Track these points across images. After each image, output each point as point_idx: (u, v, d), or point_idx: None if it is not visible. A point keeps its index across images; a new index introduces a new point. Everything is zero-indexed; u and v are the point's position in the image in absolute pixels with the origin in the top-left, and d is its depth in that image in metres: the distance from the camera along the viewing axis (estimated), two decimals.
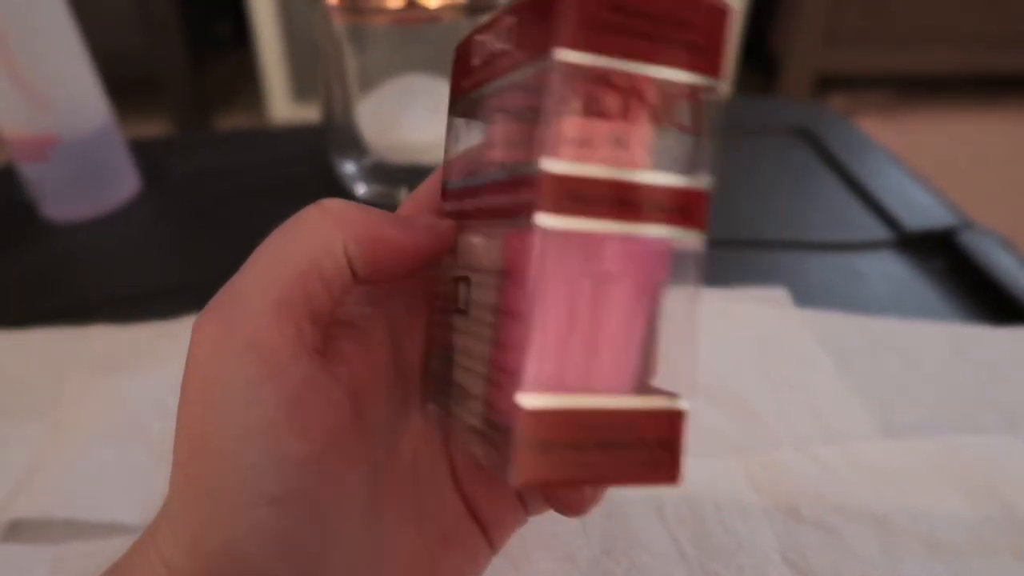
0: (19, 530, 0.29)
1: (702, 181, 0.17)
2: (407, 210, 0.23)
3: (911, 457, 0.32)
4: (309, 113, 1.71)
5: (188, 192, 0.55)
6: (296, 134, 0.65)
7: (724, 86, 0.17)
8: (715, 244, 0.50)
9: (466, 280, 0.19)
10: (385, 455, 0.20)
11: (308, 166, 0.57)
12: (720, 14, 0.16)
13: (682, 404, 0.17)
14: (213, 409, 0.16)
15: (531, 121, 0.16)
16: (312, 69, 1.68)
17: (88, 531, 0.29)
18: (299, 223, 0.18)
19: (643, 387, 0.18)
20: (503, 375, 0.16)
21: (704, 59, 0.16)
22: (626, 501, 0.29)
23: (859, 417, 0.34)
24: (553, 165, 0.15)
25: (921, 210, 0.50)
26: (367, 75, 0.49)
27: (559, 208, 0.15)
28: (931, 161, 0.87)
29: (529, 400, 0.15)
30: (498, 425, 0.16)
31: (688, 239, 0.17)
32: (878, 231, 0.49)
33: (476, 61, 0.19)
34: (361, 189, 0.52)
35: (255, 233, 0.56)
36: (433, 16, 0.45)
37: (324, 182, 0.54)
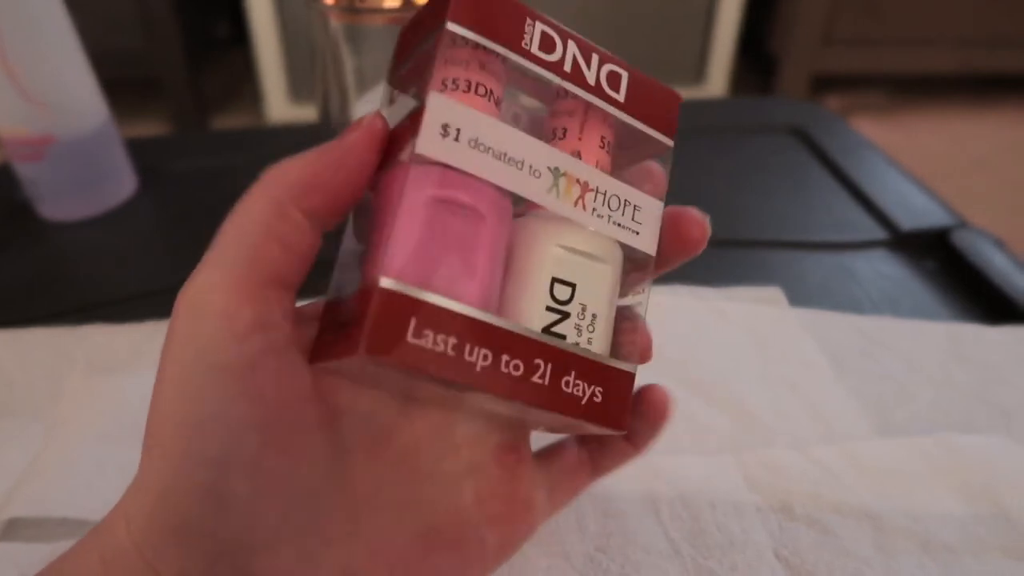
0: (16, 528, 0.29)
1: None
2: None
3: (906, 456, 0.32)
4: (306, 113, 1.71)
5: (186, 192, 0.56)
6: (293, 134, 0.65)
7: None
8: (711, 243, 0.50)
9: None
10: (369, 440, 0.21)
11: None
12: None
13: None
14: (169, 372, 0.18)
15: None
16: (309, 70, 1.68)
17: (84, 529, 0.29)
18: (245, 201, 0.19)
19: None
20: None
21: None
22: (622, 499, 0.30)
23: (854, 416, 0.35)
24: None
25: (916, 210, 0.50)
26: (363, 75, 0.49)
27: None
28: (926, 161, 0.87)
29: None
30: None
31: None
32: (873, 231, 0.49)
33: (408, 35, 0.23)
34: None
35: None
36: None
37: None
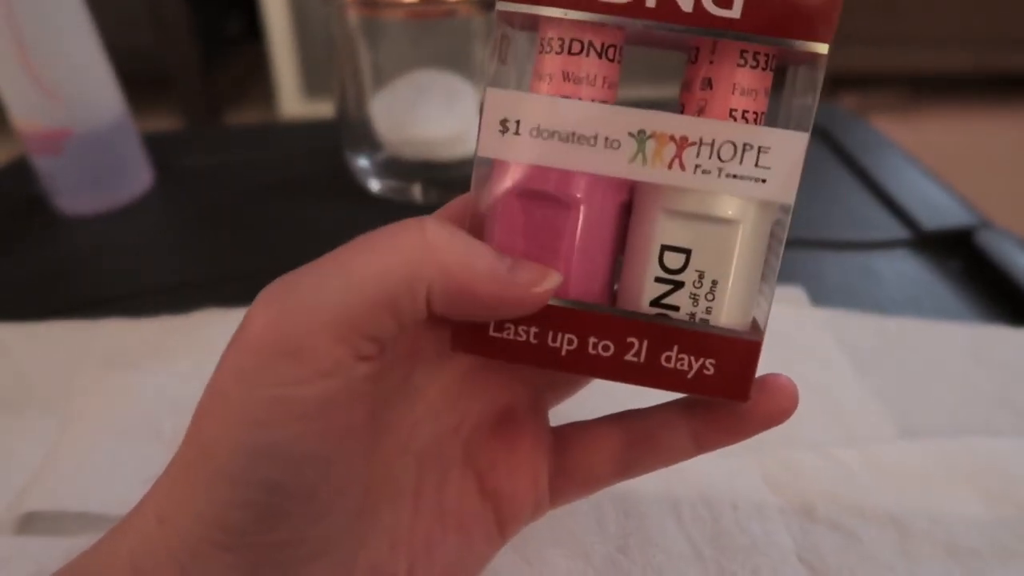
0: (33, 522, 0.29)
1: None
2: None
3: (928, 458, 0.32)
4: (319, 110, 1.72)
5: (201, 187, 0.56)
6: (309, 129, 0.65)
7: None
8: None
9: None
10: (383, 433, 0.20)
11: (321, 161, 0.57)
12: None
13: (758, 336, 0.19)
14: (237, 386, 0.17)
15: None
16: (322, 66, 1.68)
17: (101, 524, 0.29)
18: (393, 244, 0.17)
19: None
20: None
21: None
22: (642, 500, 0.29)
23: (876, 417, 0.34)
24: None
25: (938, 210, 0.49)
26: (381, 70, 0.49)
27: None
28: (943, 161, 0.86)
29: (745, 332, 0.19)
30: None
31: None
32: (895, 230, 0.48)
33: None
34: (375, 184, 0.52)
35: (268, 227, 0.56)
36: (448, 11, 0.45)
37: (337, 177, 0.54)
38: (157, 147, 0.58)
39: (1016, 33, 1.72)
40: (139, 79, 0.85)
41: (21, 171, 0.55)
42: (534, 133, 0.18)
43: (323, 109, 1.70)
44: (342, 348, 0.16)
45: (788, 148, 0.18)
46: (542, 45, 0.19)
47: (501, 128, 0.18)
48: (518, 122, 0.18)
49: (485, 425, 0.22)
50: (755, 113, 0.19)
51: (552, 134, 0.18)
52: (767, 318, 0.20)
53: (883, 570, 0.27)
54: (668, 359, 0.19)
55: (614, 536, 0.28)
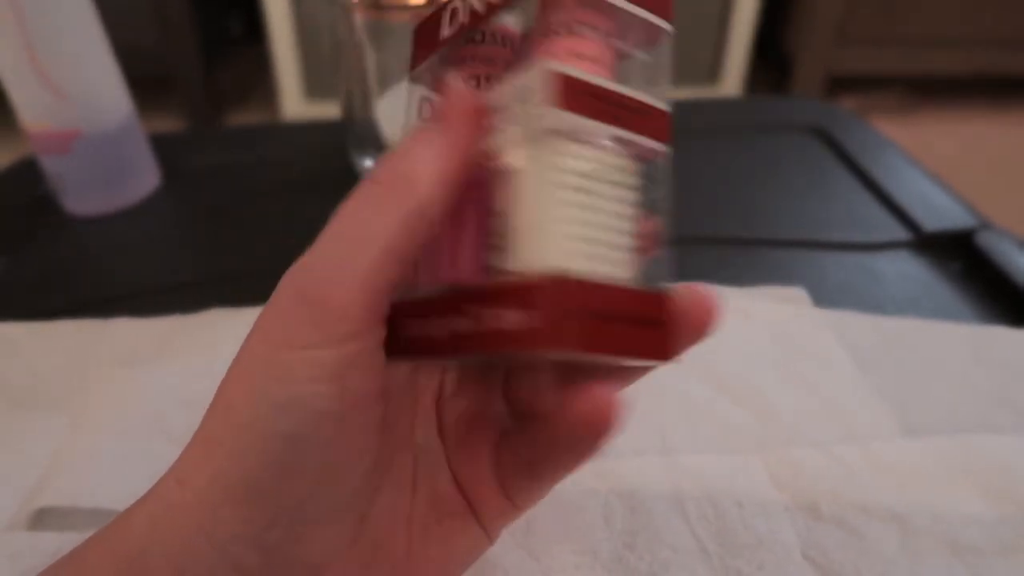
0: (45, 518, 0.30)
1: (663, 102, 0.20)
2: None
3: (929, 457, 0.32)
4: (322, 111, 1.72)
5: (208, 187, 0.56)
6: (314, 130, 0.65)
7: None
8: (732, 243, 0.51)
9: None
10: (387, 427, 0.22)
11: (326, 162, 0.57)
12: None
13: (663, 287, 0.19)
14: (264, 347, 0.18)
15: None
16: (325, 67, 1.68)
17: (111, 519, 0.29)
18: (381, 201, 0.19)
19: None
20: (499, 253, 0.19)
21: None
22: (649, 498, 0.30)
23: (877, 416, 0.34)
24: (560, 67, 0.18)
25: (939, 211, 0.49)
26: (386, 72, 0.49)
27: (574, 107, 0.18)
28: (943, 162, 0.86)
29: (545, 266, 0.17)
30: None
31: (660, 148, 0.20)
32: (896, 231, 0.49)
33: (446, 29, 0.22)
34: None
35: (275, 227, 0.56)
36: None
37: (342, 178, 0.55)
38: (164, 148, 0.58)
39: (1016, 35, 1.72)
40: (142, 79, 0.85)
41: (29, 171, 0.55)
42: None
43: (324, 111, 1.70)
44: (362, 308, 0.18)
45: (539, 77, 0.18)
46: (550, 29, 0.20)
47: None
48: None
49: (458, 434, 0.24)
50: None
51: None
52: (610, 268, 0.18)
53: (886, 566, 0.27)
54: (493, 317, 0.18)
55: (621, 533, 0.28)
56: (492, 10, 0.21)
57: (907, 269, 0.45)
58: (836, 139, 0.60)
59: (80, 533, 0.28)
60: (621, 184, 0.19)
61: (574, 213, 0.18)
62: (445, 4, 0.22)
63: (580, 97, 0.18)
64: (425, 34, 0.23)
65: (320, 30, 1.63)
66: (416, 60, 0.23)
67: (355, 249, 0.18)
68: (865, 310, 0.41)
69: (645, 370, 0.21)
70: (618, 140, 0.19)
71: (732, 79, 1.78)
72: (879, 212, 0.51)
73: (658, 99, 0.20)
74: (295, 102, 1.73)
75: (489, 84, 0.21)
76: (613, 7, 0.19)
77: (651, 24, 0.20)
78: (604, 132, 0.19)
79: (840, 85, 1.84)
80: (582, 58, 0.19)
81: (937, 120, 1.83)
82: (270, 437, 0.18)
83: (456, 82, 0.20)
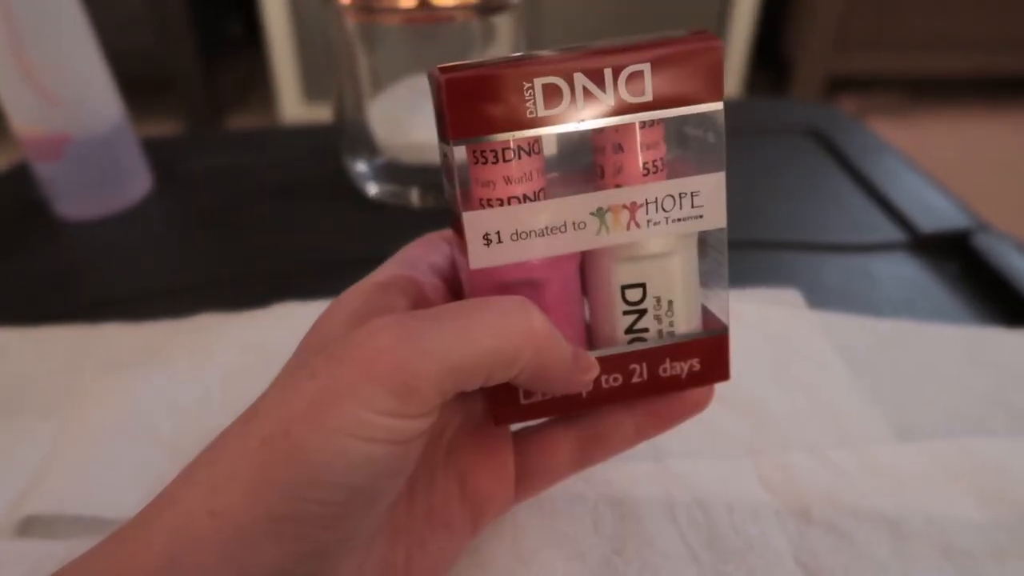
0: (32, 526, 0.29)
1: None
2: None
3: (924, 460, 0.32)
4: (319, 113, 1.72)
5: (201, 191, 0.56)
6: (307, 134, 0.65)
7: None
8: (728, 244, 0.50)
9: None
10: None
11: (319, 166, 0.57)
12: None
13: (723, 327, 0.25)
14: (350, 408, 0.18)
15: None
16: (322, 70, 1.68)
17: (100, 527, 0.29)
18: (505, 320, 0.20)
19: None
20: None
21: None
22: (639, 502, 0.29)
23: (872, 419, 0.34)
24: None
25: (935, 212, 0.49)
26: (379, 75, 0.49)
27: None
28: (941, 164, 0.86)
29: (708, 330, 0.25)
30: None
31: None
32: (892, 233, 0.48)
33: (539, 108, 0.21)
34: (373, 189, 0.52)
35: (267, 231, 0.56)
36: (446, 16, 0.45)
37: (335, 182, 0.55)
38: (156, 151, 0.58)
39: (1014, 36, 1.72)
40: (140, 82, 0.85)
41: (21, 176, 0.55)
42: (514, 237, 0.21)
43: (323, 113, 1.70)
44: (440, 396, 0.19)
45: (712, 185, 0.22)
46: (475, 157, 0.21)
47: (485, 242, 0.21)
48: (498, 232, 0.21)
49: (464, 433, 0.25)
50: (661, 159, 0.22)
51: (529, 233, 0.21)
52: (727, 308, 0.24)
53: (878, 571, 0.27)
54: (664, 370, 0.24)
55: (610, 538, 0.28)
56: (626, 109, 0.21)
57: (903, 270, 0.45)
58: (832, 140, 0.60)
59: (66, 542, 0.28)
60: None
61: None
62: (528, 74, 0.20)
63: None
64: (486, 98, 0.20)
65: (318, 33, 1.63)
66: (468, 126, 0.20)
67: (468, 344, 0.19)
68: (861, 311, 0.41)
69: None
70: None
71: (731, 80, 1.78)
72: (875, 213, 0.51)
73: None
74: (293, 104, 1.73)
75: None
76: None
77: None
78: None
79: (839, 86, 1.84)
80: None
81: (935, 121, 1.83)
82: (339, 488, 0.18)
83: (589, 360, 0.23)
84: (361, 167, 0.53)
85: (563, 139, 0.22)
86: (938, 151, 1.61)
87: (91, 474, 0.31)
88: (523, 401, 0.23)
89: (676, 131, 0.23)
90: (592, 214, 0.22)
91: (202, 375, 0.36)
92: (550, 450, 0.26)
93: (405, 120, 0.50)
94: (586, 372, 0.22)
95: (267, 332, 0.39)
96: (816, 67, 1.77)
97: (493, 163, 0.21)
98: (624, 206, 0.22)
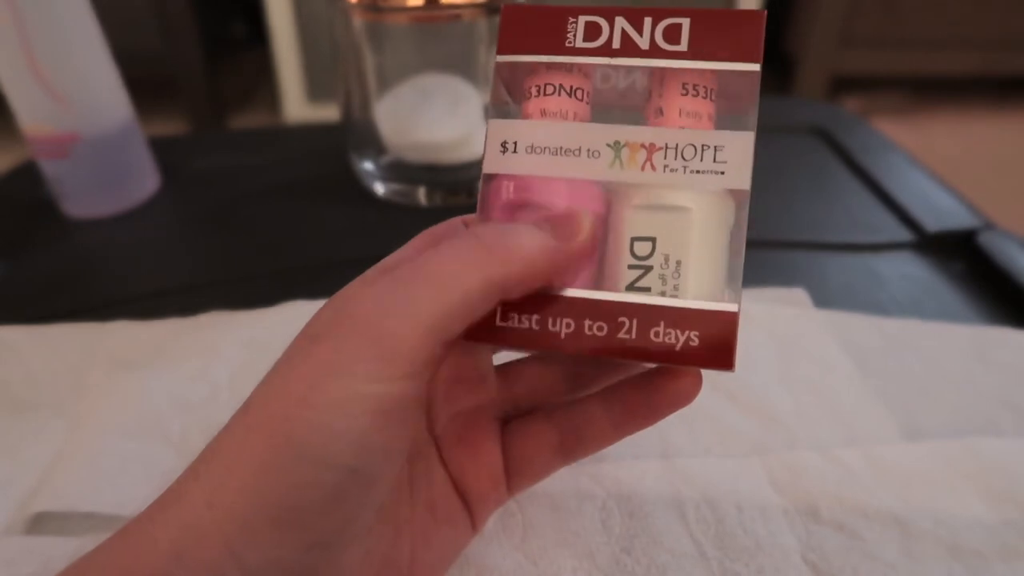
0: (42, 523, 0.30)
1: None
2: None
3: (931, 460, 0.32)
4: (324, 113, 1.72)
5: (208, 190, 0.56)
6: (314, 133, 0.65)
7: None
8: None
9: None
10: None
11: (326, 165, 0.57)
12: None
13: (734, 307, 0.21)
14: (325, 376, 0.18)
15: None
16: (327, 70, 1.68)
17: (110, 524, 0.29)
18: (457, 254, 0.20)
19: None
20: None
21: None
22: (647, 501, 0.29)
23: (878, 419, 0.34)
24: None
25: (941, 211, 0.49)
26: (385, 74, 0.49)
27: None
28: (945, 163, 0.86)
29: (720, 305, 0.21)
30: None
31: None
32: (898, 232, 0.48)
33: (578, 40, 0.23)
34: (380, 188, 0.53)
35: (274, 230, 0.56)
36: (453, 15, 0.45)
37: (342, 181, 0.55)
38: (164, 151, 0.58)
39: (1019, 35, 1.72)
40: (144, 82, 0.85)
41: (29, 175, 0.56)
42: (528, 150, 0.22)
43: (327, 113, 1.70)
44: (427, 352, 0.18)
45: (739, 145, 0.22)
46: (527, 93, 0.23)
47: (501, 148, 0.22)
48: (515, 142, 0.22)
49: (452, 430, 0.25)
50: (705, 113, 0.22)
51: (543, 149, 0.22)
52: (739, 289, 0.22)
53: (886, 570, 0.27)
54: (656, 334, 0.21)
55: (619, 536, 0.28)
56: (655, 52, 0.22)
57: (909, 270, 0.45)
58: (838, 140, 0.60)
59: (77, 539, 0.28)
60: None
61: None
62: (576, 12, 0.23)
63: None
64: (534, 26, 0.23)
65: (323, 33, 1.63)
66: (513, 46, 0.23)
67: (436, 293, 0.19)
68: (867, 311, 0.41)
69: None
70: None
71: None
72: (881, 213, 0.51)
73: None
74: (298, 104, 1.73)
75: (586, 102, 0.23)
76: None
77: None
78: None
79: (843, 86, 1.84)
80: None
81: (940, 120, 1.82)
82: (329, 468, 0.18)
83: (582, 218, 0.22)
84: (368, 166, 0.53)
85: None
86: (943, 150, 1.61)
87: (100, 472, 0.31)
88: (498, 323, 0.22)
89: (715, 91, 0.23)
90: (608, 145, 0.22)
91: (210, 373, 0.37)
92: (534, 444, 0.25)
93: (412, 119, 0.50)
94: (571, 237, 0.21)
95: (274, 330, 0.39)
96: (820, 66, 1.77)
97: (536, 96, 0.23)
98: (642, 145, 0.22)
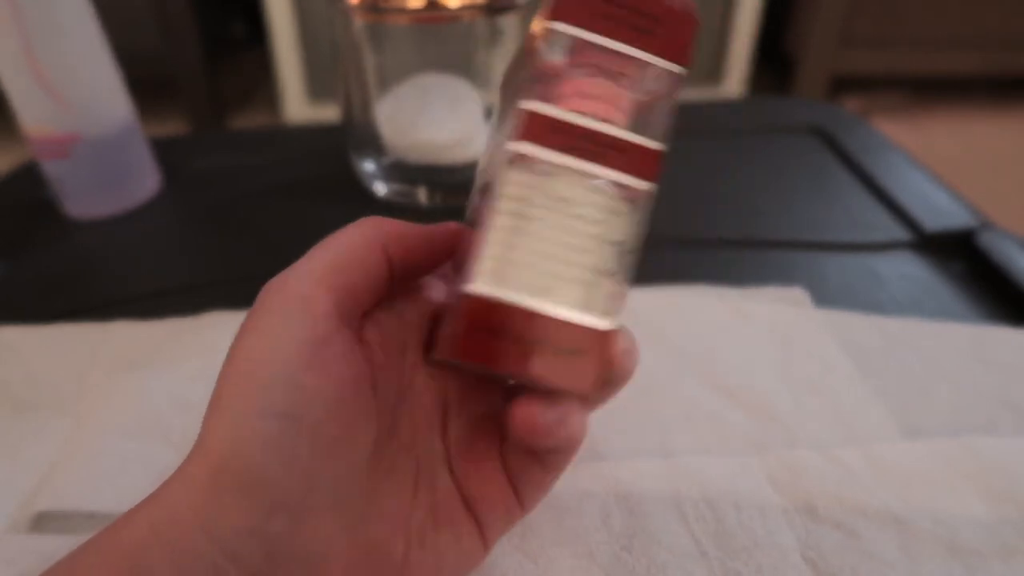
0: (45, 522, 0.30)
1: (658, 143, 0.21)
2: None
3: (930, 458, 0.32)
4: (324, 113, 1.72)
5: (209, 190, 0.56)
6: (314, 133, 0.65)
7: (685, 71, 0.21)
8: (734, 244, 0.51)
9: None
10: (388, 431, 0.23)
11: (327, 165, 0.57)
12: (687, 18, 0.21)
13: (606, 324, 0.19)
14: (249, 339, 0.20)
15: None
16: (327, 70, 1.68)
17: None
18: (347, 228, 0.23)
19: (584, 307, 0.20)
20: (461, 275, 0.20)
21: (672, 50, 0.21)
22: (647, 499, 0.30)
23: (878, 418, 0.34)
24: (531, 104, 0.20)
25: (940, 211, 0.49)
26: (386, 74, 0.49)
27: (532, 138, 0.20)
28: (945, 163, 0.86)
29: (472, 287, 0.19)
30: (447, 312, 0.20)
31: (640, 186, 0.20)
32: (897, 232, 0.48)
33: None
34: (380, 188, 0.53)
35: (275, 230, 0.56)
36: (453, 16, 0.45)
37: (343, 181, 0.55)
38: (165, 151, 0.58)
39: (1018, 35, 1.72)
40: (144, 82, 0.85)
41: (30, 175, 0.56)
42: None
43: (327, 113, 1.71)
44: (329, 296, 0.21)
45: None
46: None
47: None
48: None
49: (462, 437, 0.25)
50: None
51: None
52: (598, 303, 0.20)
53: (885, 569, 0.27)
54: (442, 325, 0.22)
55: (619, 535, 0.28)
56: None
57: (908, 269, 0.45)
58: (837, 140, 0.60)
59: (80, 537, 0.28)
60: (583, 216, 0.20)
61: (507, 238, 0.19)
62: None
63: (541, 131, 0.20)
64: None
65: (323, 32, 1.63)
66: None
67: (323, 252, 0.22)
68: (866, 311, 0.41)
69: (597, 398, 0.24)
70: (589, 175, 0.20)
71: (734, 79, 1.78)
72: (880, 212, 0.51)
73: (652, 138, 0.21)
74: (298, 104, 1.73)
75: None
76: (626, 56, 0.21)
77: (668, 70, 0.21)
78: (565, 165, 0.20)
79: (843, 86, 1.84)
80: (586, 97, 0.20)
81: (939, 120, 1.82)
82: (264, 417, 0.19)
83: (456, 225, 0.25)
84: (368, 166, 0.53)
85: None
86: (943, 150, 1.61)
87: (102, 471, 0.31)
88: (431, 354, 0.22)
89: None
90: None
91: (211, 373, 0.36)
92: (526, 461, 0.24)
93: (412, 119, 0.50)
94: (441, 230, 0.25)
95: None
96: (820, 66, 1.77)
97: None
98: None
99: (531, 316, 0.19)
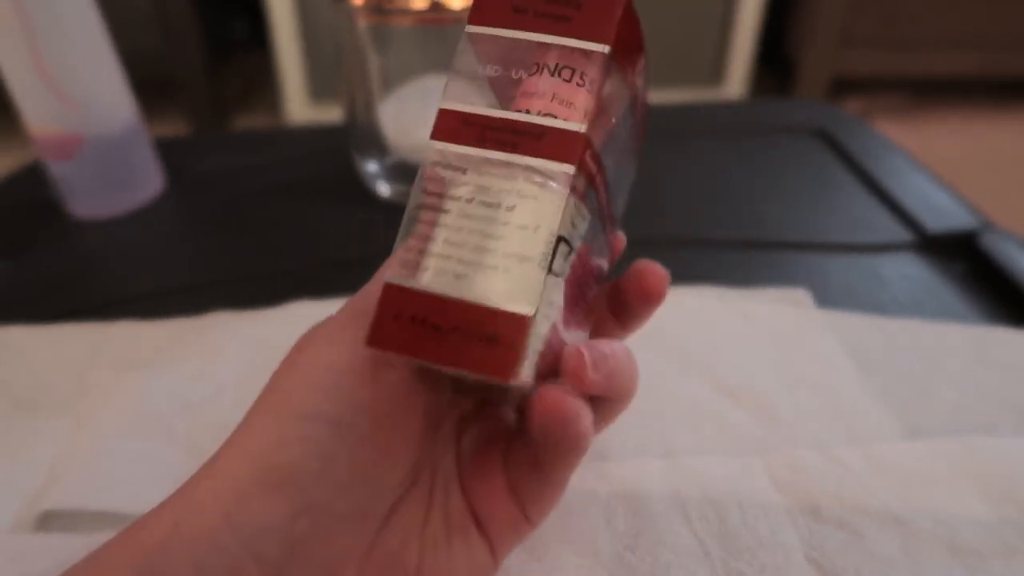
0: (50, 521, 0.30)
1: (578, 125, 0.20)
2: None
3: (931, 459, 0.32)
4: (326, 114, 1.72)
5: (212, 191, 0.56)
6: (318, 134, 0.66)
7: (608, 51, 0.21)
8: (735, 245, 0.51)
9: None
10: (417, 451, 0.23)
11: (330, 165, 0.57)
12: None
13: (526, 310, 0.19)
14: (317, 347, 0.21)
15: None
16: (329, 70, 1.68)
17: (117, 522, 0.29)
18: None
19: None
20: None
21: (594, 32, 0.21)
22: (651, 500, 0.30)
23: (879, 418, 0.34)
24: (444, 103, 0.21)
25: (942, 212, 0.49)
26: (389, 75, 0.49)
27: (445, 134, 0.21)
28: (946, 164, 0.87)
29: (388, 277, 0.19)
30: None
31: (558, 169, 0.20)
32: (899, 233, 0.49)
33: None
34: (383, 188, 0.53)
35: (277, 231, 0.56)
36: (457, 17, 0.45)
37: (345, 181, 0.55)
38: (168, 152, 0.58)
39: (1018, 35, 1.72)
40: (146, 83, 0.85)
41: (34, 176, 0.56)
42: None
43: (329, 114, 1.71)
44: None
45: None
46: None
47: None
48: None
49: (470, 455, 0.25)
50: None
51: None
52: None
53: (887, 568, 0.27)
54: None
55: (623, 535, 0.28)
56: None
57: (910, 270, 0.45)
58: (838, 141, 0.60)
59: (85, 536, 0.29)
60: (497, 204, 0.20)
61: (424, 230, 0.20)
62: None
63: (453, 126, 0.21)
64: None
65: (325, 33, 1.64)
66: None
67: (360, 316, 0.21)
68: (868, 311, 0.41)
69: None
70: (503, 164, 0.20)
71: (735, 81, 1.78)
72: (882, 214, 0.51)
73: (570, 120, 0.20)
74: (300, 105, 1.73)
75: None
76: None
77: (590, 51, 0.21)
78: (479, 156, 0.20)
79: (844, 87, 1.84)
80: (530, 96, 0.21)
81: (941, 121, 1.82)
82: (313, 419, 0.19)
83: None
84: (372, 167, 0.53)
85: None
86: (943, 151, 1.61)
87: (106, 470, 0.31)
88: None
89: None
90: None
91: (215, 373, 0.37)
92: (530, 478, 0.24)
93: (415, 120, 0.50)
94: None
95: (279, 330, 0.39)
96: (821, 67, 1.77)
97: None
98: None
99: (445, 303, 0.19)
